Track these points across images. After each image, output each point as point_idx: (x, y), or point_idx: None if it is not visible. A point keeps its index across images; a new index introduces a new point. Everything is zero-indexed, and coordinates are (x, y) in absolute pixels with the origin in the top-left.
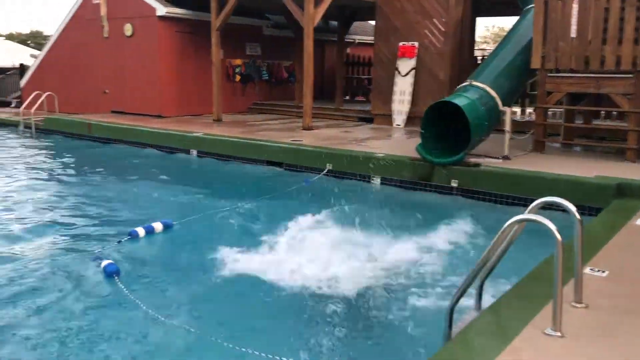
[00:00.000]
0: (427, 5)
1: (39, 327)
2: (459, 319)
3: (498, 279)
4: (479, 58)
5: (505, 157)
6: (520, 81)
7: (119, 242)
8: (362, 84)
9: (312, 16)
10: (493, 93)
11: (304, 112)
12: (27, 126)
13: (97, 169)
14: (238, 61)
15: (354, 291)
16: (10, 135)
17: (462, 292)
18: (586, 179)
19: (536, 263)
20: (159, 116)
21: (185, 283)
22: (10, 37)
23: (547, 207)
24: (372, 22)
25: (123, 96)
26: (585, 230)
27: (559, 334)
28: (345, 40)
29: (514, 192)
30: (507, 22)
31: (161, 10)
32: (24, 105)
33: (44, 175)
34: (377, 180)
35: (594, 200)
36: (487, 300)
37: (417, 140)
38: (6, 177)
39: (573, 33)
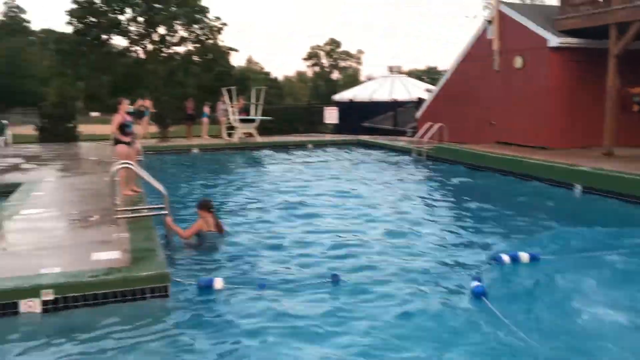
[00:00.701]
0: None
1: (407, 328)
2: None
3: None
4: None
5: None
6: None
7: (488, 264)
8: None
9: None
10: None
11: None
12: (419, 153)
13: (476, 196)
14: (638, 89)
15: None
16: (404, 161)
17: None
18: None
19: None
20: (544, 148)
21: (546, 314)
22: (409, 73)
23: None
24: None
25: (508, 127)
26: None
27: None
28: None
29: None
30: None
31: (553, 41)
32: (418, 135)
33: (428, 197)
34: None
35: None
36: None
37: None
38: (398, 195)
39: None
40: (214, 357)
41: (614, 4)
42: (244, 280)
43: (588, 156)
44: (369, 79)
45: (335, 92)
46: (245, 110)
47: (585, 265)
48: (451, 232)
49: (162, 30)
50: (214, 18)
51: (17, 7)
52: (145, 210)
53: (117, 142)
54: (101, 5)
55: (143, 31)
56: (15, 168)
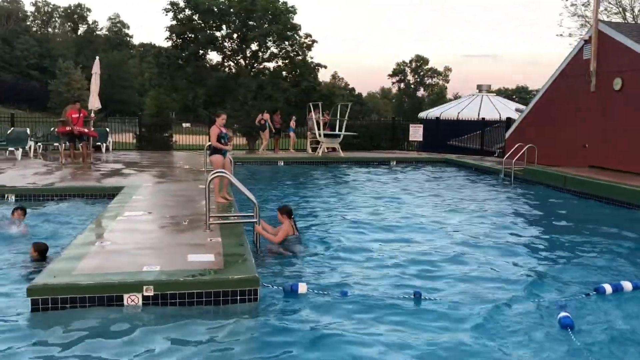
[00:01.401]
0: None
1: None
2: None
3: None
4: None
5: None
6: None
7: (586, 295)
8: None
9: None
10: None
11: None
12: (507, 174)
13: (569, 221)
14: None
15: None
16: (491, 181)
17: None
18: None
19: None
20: None
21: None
22: (498, 92)
23: None
24: None
25: (603, 151)
26: None
27: None
28: None
29: None
30: None
31: None
32: (506, 156)
33: (518, 220)
34: None
35: None
36: None
37: None
38: (484, 216)
39: None
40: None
41: None
42: (327, 286)
43: None
44: (456, 97)
45: (420, 109)
46: (329, 125)
47: None
48: (543, 258)
49: (254, 46)
50: (304, 35)
51: (121, 22)
52: (237, 217)
53: (213, 152)
54: (199, 22)
55: (236, 47)
56: (116, 173)
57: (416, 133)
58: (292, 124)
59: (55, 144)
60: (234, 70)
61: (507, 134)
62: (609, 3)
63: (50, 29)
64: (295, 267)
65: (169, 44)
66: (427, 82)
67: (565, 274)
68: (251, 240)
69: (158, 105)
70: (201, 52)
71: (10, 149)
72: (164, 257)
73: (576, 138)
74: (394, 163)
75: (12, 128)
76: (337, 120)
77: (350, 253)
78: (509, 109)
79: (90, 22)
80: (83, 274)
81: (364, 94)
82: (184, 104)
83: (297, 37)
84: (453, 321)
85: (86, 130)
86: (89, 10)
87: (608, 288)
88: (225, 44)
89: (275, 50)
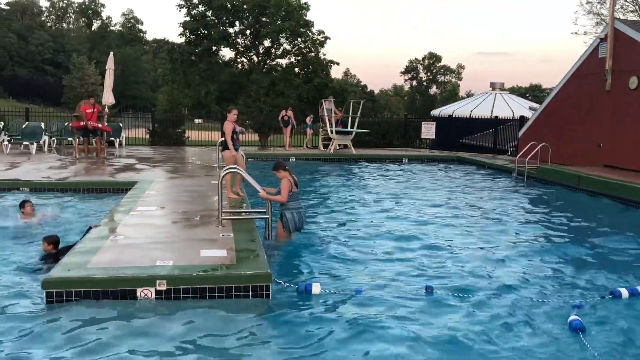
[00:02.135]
0: None
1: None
2: None
3: None
4: None
5: None
6: None
7: (602, 297)
8: None
9: None
10: None
11: None
12: (520, 173)
13: (579, 221)
14: None
15: None
16: (504, 180)
17: None
18: None
19: None
20: None
21: None
22: (511, 90)
23: None
24: None
25: (618, 150)
26: None
27: None
28: None
29: None
30: None
31: None
32: (519, 154)
33: (532, 219)
34: None
35: None
36: None
37: None
38: (498, 215)
39: None
40: (309, 356)
41: None
42: (340, 285)
43: None
44: (469, 94)
45: (432, 107)
46: (342, 122)
47: None
48: (557, 258)
49: (267, 42)
50: (316, 32)
51: (135, 18)
52: (249, 213)
53: (225, 147)
54: (213, 18)
55: (249, 43)
56: (129, 168)
57: (429, 131)
58: (309, 120)
59: (69, 138)
60: (246, 67)
61: (521, 133)
62: (625, 1)
63: (64, 25)
64: (307, 265)
65: (182, 40)
66: (440, 79)
67: (580, 276)
68: (263, 235)
69: (171, 101)
70: (214, 48)
71: (25, 143)
72: (177, 252)
73: (591, 137)
74: (406, 161)
75: (26, 122)
76: (349, 117)
77: (361, 250)
78: (522, 107)
79: (104, 18)
80: (97, 268)
81: (376, 91)
82: (197, 99)
83: (310, 33)
84: (465, 318)
85: (100, 125)
86: (103, 6)
87: (624, 292)
88: (238, 40)
89: (288, 47)
